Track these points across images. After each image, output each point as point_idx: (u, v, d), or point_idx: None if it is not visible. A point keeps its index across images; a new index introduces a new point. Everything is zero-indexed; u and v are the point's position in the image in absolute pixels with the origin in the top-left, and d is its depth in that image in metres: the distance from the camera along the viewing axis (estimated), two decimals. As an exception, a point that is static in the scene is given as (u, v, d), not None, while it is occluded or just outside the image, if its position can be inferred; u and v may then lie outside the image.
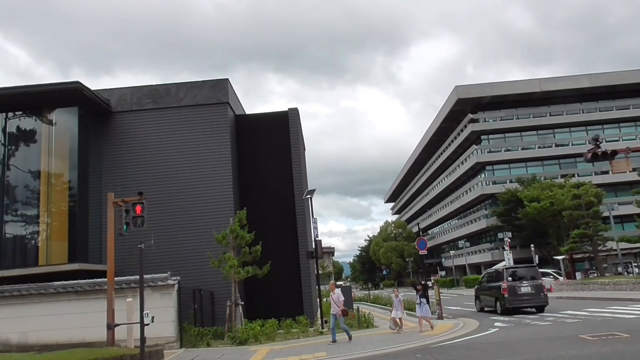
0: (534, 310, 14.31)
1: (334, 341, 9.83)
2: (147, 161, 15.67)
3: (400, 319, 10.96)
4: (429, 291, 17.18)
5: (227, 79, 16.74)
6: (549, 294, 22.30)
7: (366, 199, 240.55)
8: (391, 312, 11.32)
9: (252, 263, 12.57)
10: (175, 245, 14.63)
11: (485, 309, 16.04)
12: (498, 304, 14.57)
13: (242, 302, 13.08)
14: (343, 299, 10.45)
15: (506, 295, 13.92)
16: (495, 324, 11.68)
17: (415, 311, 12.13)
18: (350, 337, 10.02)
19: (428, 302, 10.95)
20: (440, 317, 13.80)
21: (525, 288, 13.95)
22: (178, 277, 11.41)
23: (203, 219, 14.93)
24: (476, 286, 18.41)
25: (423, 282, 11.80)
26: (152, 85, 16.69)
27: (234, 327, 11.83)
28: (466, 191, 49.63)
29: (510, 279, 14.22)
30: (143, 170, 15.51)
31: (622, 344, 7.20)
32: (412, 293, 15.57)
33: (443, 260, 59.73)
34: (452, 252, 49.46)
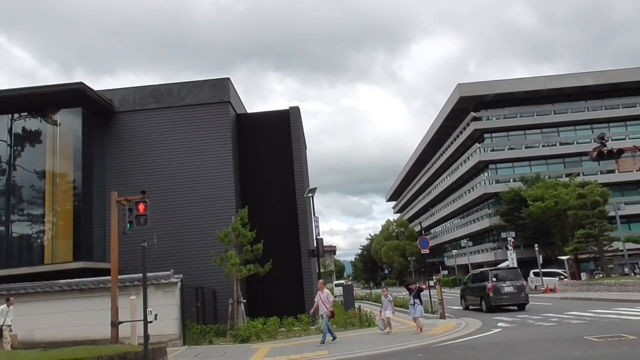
0: (515, 308, 15.40)
1: (334, 339, 9.78)
2: (149, 160, 15.76)
3: (388, 318, 10.73)
4: (431, 290, 17.29)
5: (229, 78, 16.77)
6: (554, 295, 22.64)
7: (367, 197, 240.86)
8: (380, 312, 11.12)
9: (253, 261, 12.62)
10: (178, 244, 14.71)
11: (470, 307, 17.19)
12: (483, 302, 15.84)
13: (244, 300, 13.14)
14: (332, 298, 10.17)
15: (491, 295, 15.13)
16: (499, 324, 11.62)
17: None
18: (323, 341, 9.45)
19: (421, 302, 10.83)
20: (443, 317, 13.75)
21: (508, 288, 15.19)
22: (181, 275, 11.49)
23: (205, 218, 15.00)
24: (462, 286, 19.72)
25: (418, 285, 11.66)
26: (154, 85, 16.79)
27: (236, 325, 11.89)
28: (469, 190, 49.34)
29: (494, 279, 15.44)
30: (146, 169, 15.61)
31: (628, 346, 7.09)
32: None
33: (445, 259, 59.41)
34: (454, 252, 49.17)
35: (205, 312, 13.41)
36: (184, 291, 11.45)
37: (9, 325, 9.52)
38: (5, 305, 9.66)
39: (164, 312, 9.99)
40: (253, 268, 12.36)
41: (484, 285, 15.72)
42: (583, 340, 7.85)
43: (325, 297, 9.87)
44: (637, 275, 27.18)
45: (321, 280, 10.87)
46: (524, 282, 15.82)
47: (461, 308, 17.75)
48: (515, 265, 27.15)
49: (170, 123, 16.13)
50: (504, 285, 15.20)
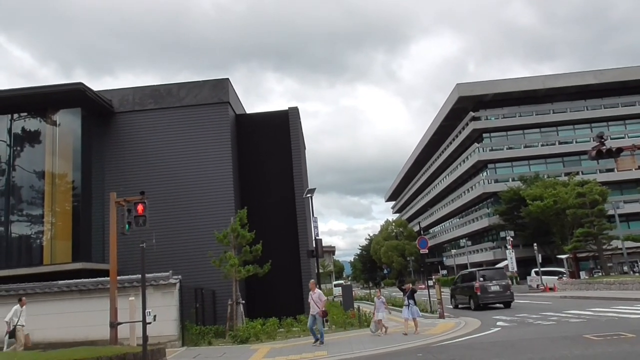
0: (502, 306, 16.20)
1: (317, 340, 9.54)
2: (149, 161, 15.77)
3: (380, 320, 10.60)
4: (430, 290, 17.32)
5: (228, 79, 16.80)
6: (553, 293, 22.74)
7: (366, 197, 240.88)
8: (374, 313, 10.99)
9: (252, 262, 12.63)
10: (177, 244, 14.72)
11: (460, 305, 18.04)
12: (471, 301, 16.47)
13: (243, 301, 13.15)
14: (325, 298, 10.10)
15: (479, 294, 15.91)
16: (498, 323, 11.64)
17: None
18: (322, 342, 9.39)
19: (415, 303, 10.79)
20: (442, 316, 13.76)
21: (494, 287, 15.97)
22: (180, 276, 11.49)
23: (204, 218, 15.01)
24: (452, 286, 20.50)
25: (412, 285, 11.63)
26: (154, 85, 16.82)
27: (235, 326, 11.90)
28: (468, 190, 49.38)
29: (482, 279, 16.22)
30: (145, 169, 15.61)
31: (628, 344, 7.08)
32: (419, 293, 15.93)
33: (444, 259, 59.50)
34: (453, 251, 49.23)
35: (205, 313, 13.41)
36: (183, 292, 11.45)
37: (22, 326, 9.54)
38: (18, 305, 9.69)
39: (163, 313, 9.99)
40: (252, 269, 12.35)
41: (472, 285, 16.35)
42: (582, 339, 7.84)
43: (317, 297, 9.77)
44: (636, 274, 27.22)
45: (312, 280, 10.67)
46: (509, 282, 16.60)
47: (452, 307, 18.36)
48: (515, 264, 27.31)
49: (170, 123, 16.14)
50: (491, 284, 15.92)
